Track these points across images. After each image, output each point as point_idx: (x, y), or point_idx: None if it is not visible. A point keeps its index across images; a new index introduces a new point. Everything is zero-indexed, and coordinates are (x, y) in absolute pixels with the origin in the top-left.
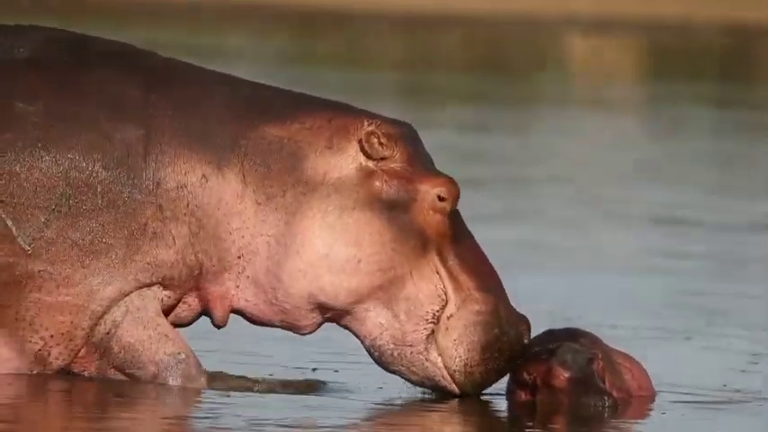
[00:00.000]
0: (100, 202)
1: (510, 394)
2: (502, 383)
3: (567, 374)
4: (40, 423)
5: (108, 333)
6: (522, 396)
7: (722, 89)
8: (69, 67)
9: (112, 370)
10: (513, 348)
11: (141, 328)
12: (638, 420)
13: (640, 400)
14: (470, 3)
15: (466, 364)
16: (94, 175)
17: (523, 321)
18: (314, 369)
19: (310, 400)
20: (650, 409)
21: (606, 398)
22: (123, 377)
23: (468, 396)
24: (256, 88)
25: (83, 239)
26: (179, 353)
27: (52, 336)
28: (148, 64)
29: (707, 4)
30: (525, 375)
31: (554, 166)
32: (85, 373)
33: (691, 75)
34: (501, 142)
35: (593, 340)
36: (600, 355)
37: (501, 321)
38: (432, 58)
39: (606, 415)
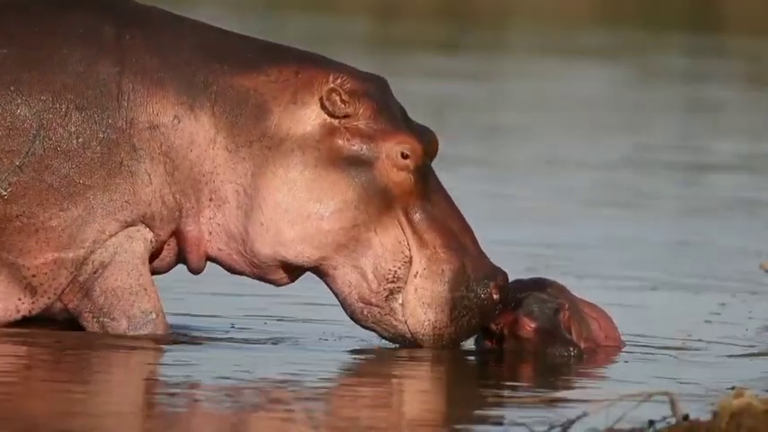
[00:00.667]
0: (75, 142)
1: (478, 344)
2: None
3: (533, 325)
4: (16, 381)
5: (95, 273)
6: (490, 346)
7: (689, 38)
8: (44, 10)
9: (88, 315)
10: (482, 306)
11: (125, 275)
12: (602, 369)
13: (607, 349)
14: None
15: (435, 327)
16: (68, 115)
17: (497, 276)
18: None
19: (282, 352)
20: (615, 359)
21: (572, 348)
22: (94, 327)
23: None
24: (228, 36)
25: (59, 182)
26: (151, 311)
27: (34, 275)
28: (123, 7)
29: None
30: (492, 326)
31: (522, 114)
32: (68, 307)
33: (655, 23)
34: (470, 90)
35: (561, 290)
36: (566, 306)
37: (468, 279)
38: (401, 6)
39: (571, 364)
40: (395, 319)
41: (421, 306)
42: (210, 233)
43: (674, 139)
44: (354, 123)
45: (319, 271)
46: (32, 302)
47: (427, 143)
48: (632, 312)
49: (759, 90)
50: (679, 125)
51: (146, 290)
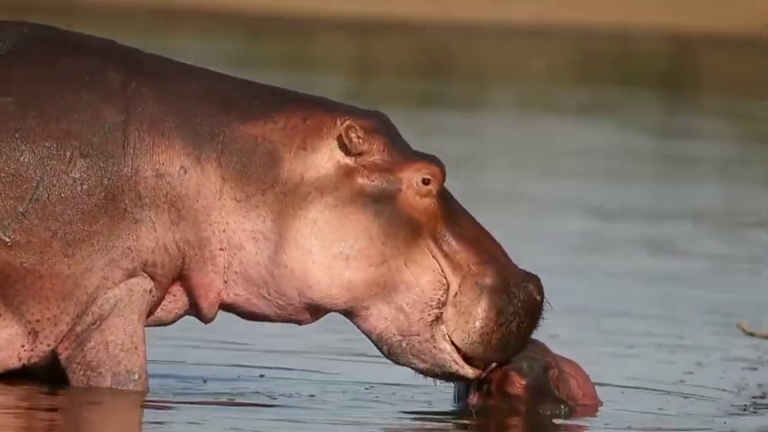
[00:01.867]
0: (79, 189)
1: (461, 400)
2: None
3: (523, 382)
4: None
5: (93, 324)
6: (476, 402)
7: (662, 96)
8: (49, 57)
9: (76, 366)
10: (527, 308)
11: (121, 331)
12: (581, 428)
13: (585, 407)
14: (415, 8)
15: (482, 333)
16: (72, 162)
17: (533, 279)
18: (261, 375)
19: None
20: (593, 416)
21: (563, 406)
22: (80, 380)
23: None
24: (234, 83)
25: (62, 229)
26: (135, 372)
27: (38, 320)
28: (128, 55)
29: (646, 12)
30: (480, 382)
31: (500, 169)
32: (60, 356)
33: (631, 81)
34: (448, 145)
35: (543, 348)
36: (554, 364)
37: (507, 286)
38: (378, 63)
39: (557, 422)
40: (434, 347)
41: (462, 317)
42: (226, 281)
43: (652, 191)
44: (370, 159)
45: (348, 312)
46: (32, 349)
47: (440, 167)
48: (609, 369)
49: (737, 146)
50: (657, 179)
51: (136, 348)
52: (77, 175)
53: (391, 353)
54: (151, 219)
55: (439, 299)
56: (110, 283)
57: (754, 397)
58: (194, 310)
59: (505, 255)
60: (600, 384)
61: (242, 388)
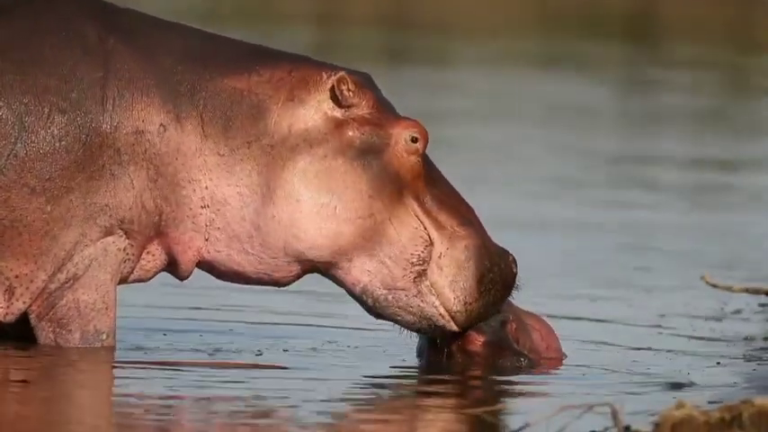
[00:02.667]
0: (57, 145)
1: (423, 358)
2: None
3: (482, 339)
4: None
5: (66, 283)
6: (436, 359)
7: (625, 48)
8: (27, 12)
9: (46, 324)
10: (505, 279)
11: (93, 290)
12: (543, 380)
13: (548, 360)
14: None
15: (465, 303)
16: (50, 118)
17: (509, 253)
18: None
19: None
20: (556, 369)
21: (522, 359)
22: (48, 337)
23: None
24: (215, 39)
25: (41, 185)
26: (104, 332)
27: (17, 276)
28: (105, 10)
29: None
30: (439, 339)
31: (464, 124)
32: (32, 314)
33: (596, 32)
34: (414, 99)
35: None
36: (512, 317)
37: (490, 253)
38: (341, 13)
39: (514, 375)
40: (422, 301)
41: (449, 285)
42: (207, 239)
43: (618, 144)
44: (359, 113)
45: (331, 264)
46: (8, 307)
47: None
48: (573, 323)
49: (704, 97)
50: (622, 129)
51: (107, 308)
52: (56, 132)
53: (376, 306)
54: (129, 176)
55: (420, 255)
56: (87, 240)
57: (727, 347)
58: (172, 267)
59: (481, 224)
60: (564, 336)
61: (209, 344)
